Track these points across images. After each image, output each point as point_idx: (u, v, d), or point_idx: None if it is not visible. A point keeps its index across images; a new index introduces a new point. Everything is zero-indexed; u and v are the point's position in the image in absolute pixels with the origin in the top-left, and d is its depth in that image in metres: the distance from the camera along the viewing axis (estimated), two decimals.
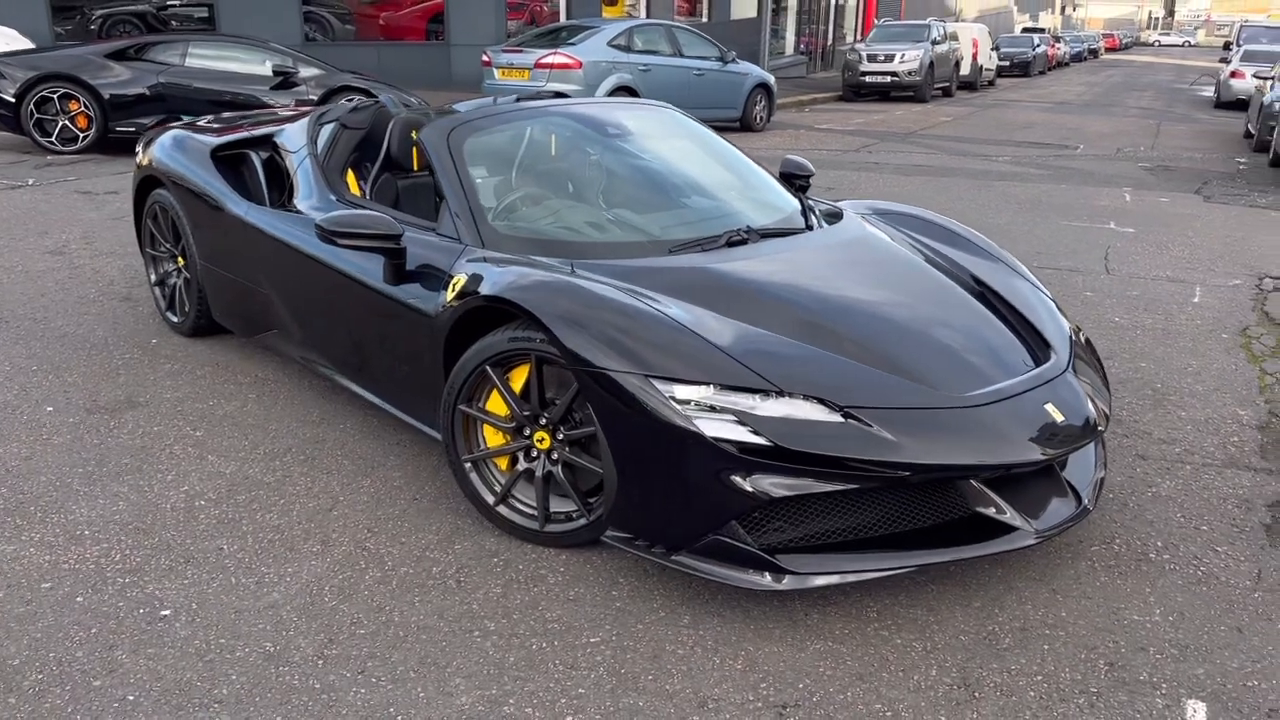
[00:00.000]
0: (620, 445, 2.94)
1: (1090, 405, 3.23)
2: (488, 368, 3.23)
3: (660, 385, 2.86)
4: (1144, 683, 2.71)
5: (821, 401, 2.88)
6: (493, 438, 3.35)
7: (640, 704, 2.60)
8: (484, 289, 3.24)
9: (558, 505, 3.26)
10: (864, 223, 4.13)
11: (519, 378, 3.23)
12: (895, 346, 3.18)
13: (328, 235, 3.51)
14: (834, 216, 4.23)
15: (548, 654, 2.79)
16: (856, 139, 15.49)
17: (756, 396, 2.86)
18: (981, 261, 3.98)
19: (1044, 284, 4.12)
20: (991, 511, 2.99)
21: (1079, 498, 3.17)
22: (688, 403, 2.84)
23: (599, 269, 3.35)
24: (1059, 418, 3.08)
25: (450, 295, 3.37)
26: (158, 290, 5.33)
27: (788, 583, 2.81)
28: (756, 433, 2.79)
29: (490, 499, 3.34)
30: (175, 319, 5.21)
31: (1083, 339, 3.68)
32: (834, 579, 2.83)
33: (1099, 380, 3.50)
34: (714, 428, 2.81)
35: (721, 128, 16.08)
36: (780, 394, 2.87)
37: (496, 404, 3.29)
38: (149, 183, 5.14)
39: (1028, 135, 16.72)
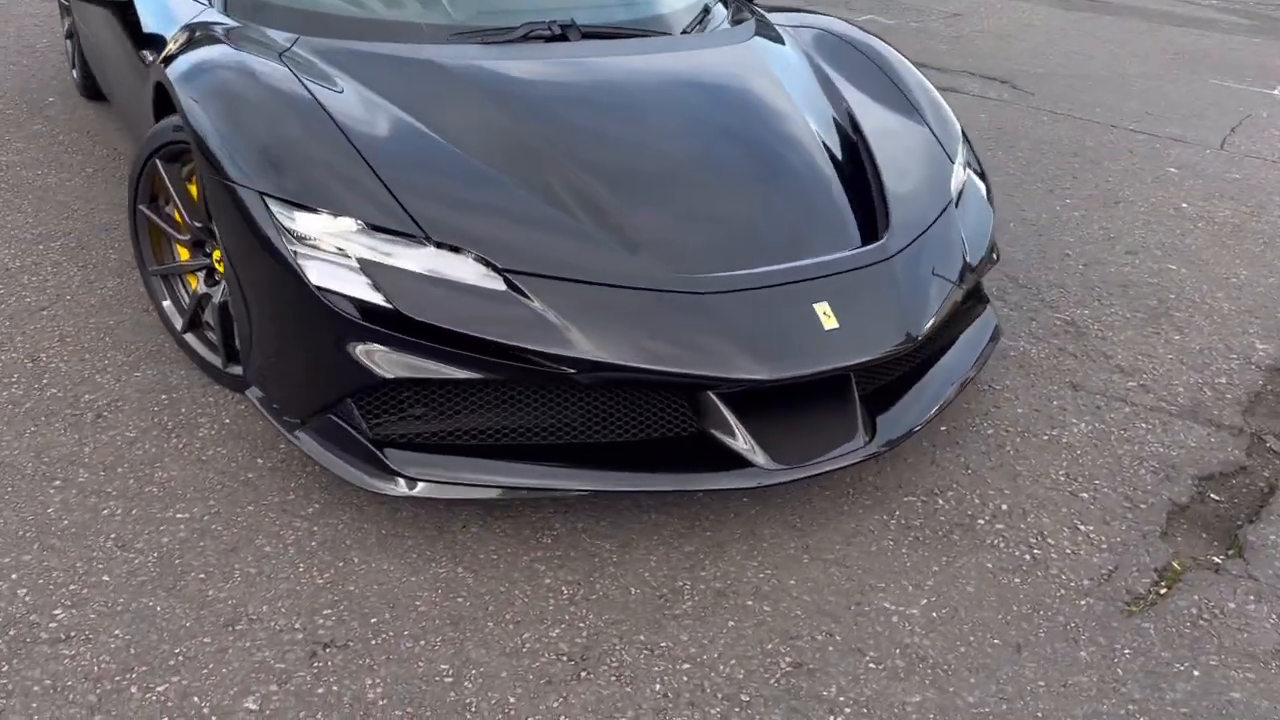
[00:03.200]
0: (244, 280, 2.30)
1: (900, 316, 2.33)
2: (157, 161, 2.60)
3: (278, 209, 2.17)
4: (820, 700, 1.95)
5: (485, 262, 2.13)
6: (184, 250, 2.75)
7: (156, 609, 2.06)
8: (170, 59, 2.58)
9: None
10: (760, 40, 3.14)
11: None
12: (642, 202, 2.36)
13: None
14: (741, 26, 3.27)
15: (111, 524, 2.27)
16: None
17: (401, 241, 2.14)
18: (885, 113, 2.93)
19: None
20: (725, 437, 2.21)
21: (873, 432, 2.33)
22: (307, 238, 2.14)
23: (331, 53, 2.61)
24: (830, 324, 2.21)
25: (159, 61, 2.72)
26: (69, 43, 4.89)
27: (402, 489, 2.15)
28: (376, 289, 2.08)
29: (178, 324, 2.78)
30: (76, 76, 4.77)
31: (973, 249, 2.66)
32: (456, 492, 2.16)
33: (954, 286, 2.53)
34: (324, 274, 2.12)
35: None
36: (429, 242, 2.14)
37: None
38: None
39: None
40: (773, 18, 3.41)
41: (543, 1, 3.17)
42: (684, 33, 3.10)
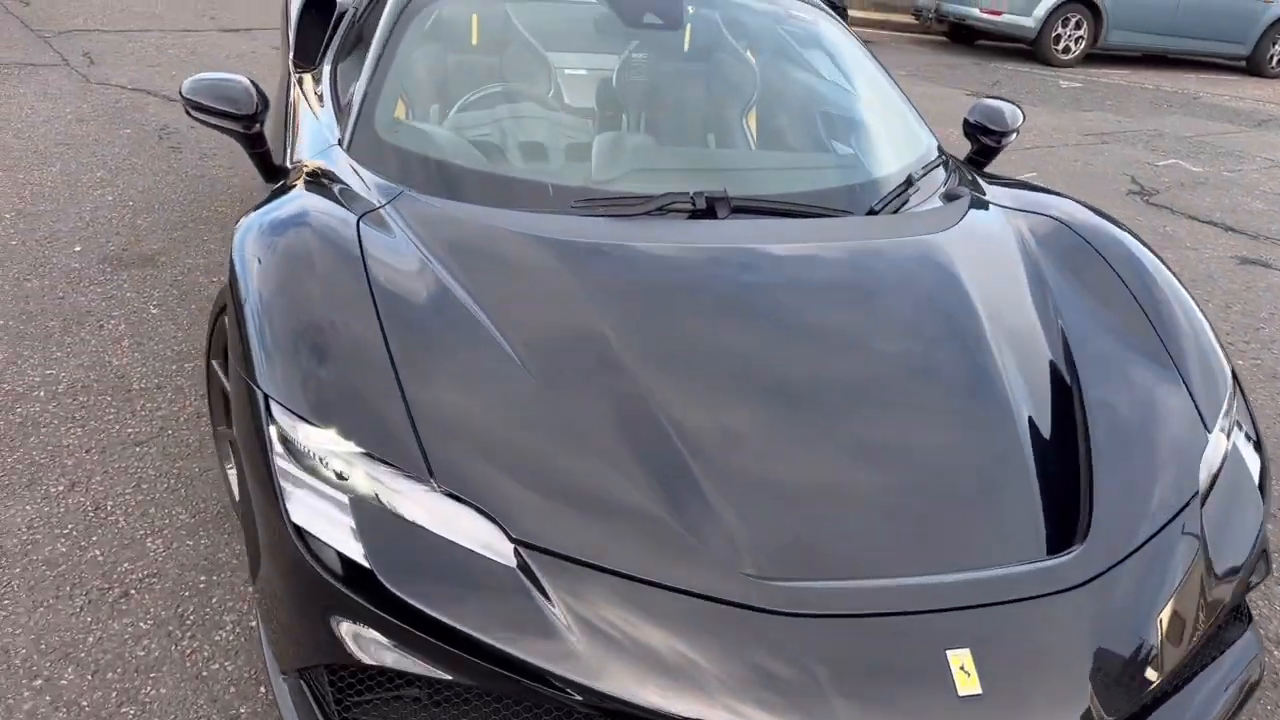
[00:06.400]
0: (248, 481, 1.91)
1: (1085, 683, 1.58)
2: (225, 320, 2.31)
3: (281, 415, 1.77)
4: None
5: (496, 523, 1.63)
6: None
7: None
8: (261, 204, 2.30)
9: None
10: (966, 231, 2.44)
11: None
12: (736, 467, 1.76)
13: (185, 103, 2.71)
14: (950, 207, 2.60)
15: None
16: None
17: (406, 480, 1.68)
18: (1119, 349, 2.13)
19: None
20: None
21: None
22: (306, 455, 1.73)
23: (426, 219, 2.21)
24: (968, 687, 1.52)
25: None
26: None
27: None
28: (359, 538, 1.63)
29: (236, 493, 2.46)
30: None
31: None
32: None
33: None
34: (305, 510, 1.70)
35: (1220, 66, 12.81)
36: (434, 486, 1.66)
37: None
38: None
39: None
40: (997, 193, 2.74)
41: (705, 159, 2.69)
42: (872, 211, 2.50)
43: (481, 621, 1.55)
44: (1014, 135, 3.13)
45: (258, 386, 1.81)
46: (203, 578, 2.38)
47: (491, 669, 1.55)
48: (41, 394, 3.04)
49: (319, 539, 1.66)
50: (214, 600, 2.32)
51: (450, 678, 1.59)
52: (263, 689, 2.09)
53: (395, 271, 2.01)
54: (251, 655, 2.17)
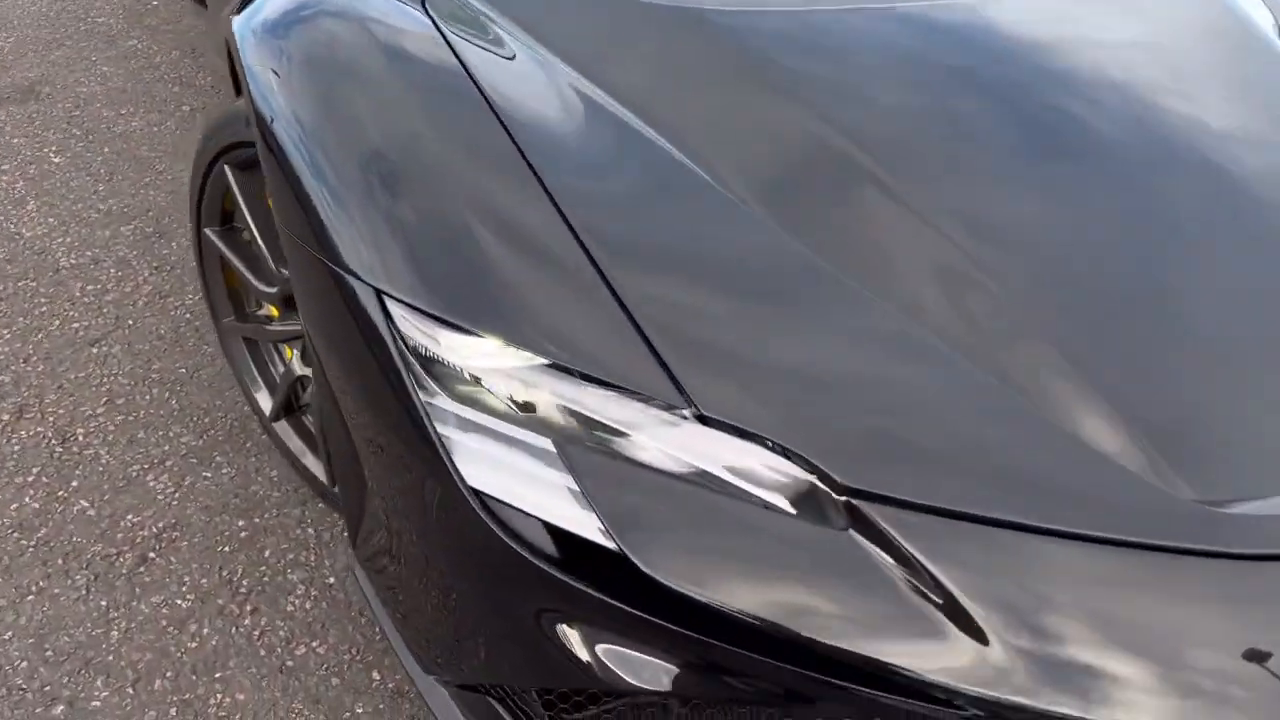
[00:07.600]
0: (347, 409, 1.29)
1: None
2: (225, 168, 1.60)
3: (405, 318, 1.13)
4: None
5: (810, 465, 1.05)
6: (274, 307, 1.76)
7: None
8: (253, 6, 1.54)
9: None
10: None
11: None
12: (1111, 342, 1.21)
13: None
14: None
15: None
16: None
17: (634, 404, 1.08)
18: None
19: None
20: None
21: None
22: (459, 376, 1.11)
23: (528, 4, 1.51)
24: None
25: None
26: None
27: None
28: (591, 505, 1.04)
29: (266, 406, 1.82)
30: None
31: None
32: None
33: None
34: (489, 465, 1.09)
35: None
36: (686, 415, 1.07)
37: None
38: None
39: None
40: None
41: None
42: None
43: (813, 617, 1.00)
44: None
45: (359, 278, 1.16)
46: (241, 522, 1.77)
47: (832, 683, 1.01)
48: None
49: (516, 508, 1.07)
50: (267, 553, 1.72)
51: (755, 697, 1.06)
52: (377, 674, 1.54)
53: (511, 78, 1.34)
54: (345, 627, 1.61)
